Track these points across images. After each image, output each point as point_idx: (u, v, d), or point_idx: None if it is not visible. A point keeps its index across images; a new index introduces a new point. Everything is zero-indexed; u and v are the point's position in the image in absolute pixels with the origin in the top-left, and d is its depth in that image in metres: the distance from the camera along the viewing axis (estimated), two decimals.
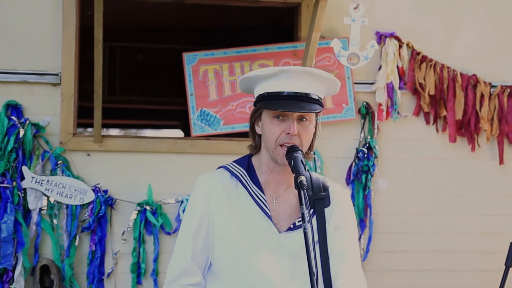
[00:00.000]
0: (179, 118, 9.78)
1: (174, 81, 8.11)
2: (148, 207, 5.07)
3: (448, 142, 5.42)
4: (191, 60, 5.23)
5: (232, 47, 5.26)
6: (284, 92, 2.62)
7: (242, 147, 5.12)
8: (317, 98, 2.65)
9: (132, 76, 8.41)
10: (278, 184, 2.72)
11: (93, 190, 5.02)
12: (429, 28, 5.43)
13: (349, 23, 4.50)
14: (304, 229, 2.47)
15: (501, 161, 5.45)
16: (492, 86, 5.44)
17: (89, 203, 5.01)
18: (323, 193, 2.72)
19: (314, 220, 2.68)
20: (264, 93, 2.66)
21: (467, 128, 5.43)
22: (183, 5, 5.40)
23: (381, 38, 5.33)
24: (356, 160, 5.33)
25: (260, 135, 2.72)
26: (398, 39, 5.36)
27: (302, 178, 2.54)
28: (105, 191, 5.05)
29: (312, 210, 2.69)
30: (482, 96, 5.42)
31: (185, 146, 5.20)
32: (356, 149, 5.34)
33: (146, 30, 7.15)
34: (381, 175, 5.35)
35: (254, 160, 2.77)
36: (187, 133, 9.58)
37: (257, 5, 5.33)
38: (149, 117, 9.78)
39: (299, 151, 2.62)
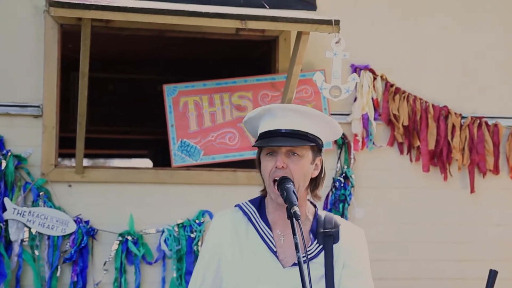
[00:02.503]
0: (147, 147, 9.82)
1: (145, 111, 8.17)
2: (129, 237, 5.10)
3: (421, 172, 5.57)
4: (171, 92, 5.30)
5: (212, 79, 5.35)
6: (274, 130, 2.75)
7: (222, 178, 5.26)
8: (306, 134, 2.75)
9: (103, 107, 8.43)
10: (285, 222, 2.79)
11: (75, 221, 5.03)
12: (402, 60, 5.60)
13: (331, 57, 4.63)
14: (298, 258, 2.55)
15: (472, 190, 5.62)
16: (463, 117, 5.62)
17: (70, 234, 5.02)
18: (333, 230, 2.81)
19: (322, 255, 2.76)
20: (260, 133, 2.81)
21: (439, 158, 5.59)
22: (162, 37, 5.47)
23: (356, 70, 5.48)
24: (333, 190, 5.44)
25: None
26: (372, 71, 5.51)
27: (296, 208, 2.61)
28: (87, 222, 5.07)
29: (321, 246, 2.77)
30: (453, 127, 5.59)
31: (166, 177, 5.25)
32: (333, 178, 5.45)
33: (123, 60, 7.20)
34: (357, 204, 5.47)
35: (266, 200, 2.89)
36: (156, 163, 9.68)
37: (236, 38, 5.44)
38: (117, 147, 9.79)
39: (290, 182, 2.71)
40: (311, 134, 2.77)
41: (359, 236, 2.92)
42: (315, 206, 2.95)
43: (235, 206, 2.91)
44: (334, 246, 2.79)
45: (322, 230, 2.79)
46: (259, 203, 2.88)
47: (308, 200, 2.91)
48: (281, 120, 2.75)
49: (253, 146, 2.82)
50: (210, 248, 2.85)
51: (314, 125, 2.79)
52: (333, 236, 2.78)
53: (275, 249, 2.77)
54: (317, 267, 2.75)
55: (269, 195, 2.81)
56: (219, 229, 2.85)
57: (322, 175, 2.88)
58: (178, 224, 5.16)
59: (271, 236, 2.79)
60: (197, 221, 5.18)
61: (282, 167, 2.72)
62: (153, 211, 5.20)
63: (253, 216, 2.84)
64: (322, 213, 2.89)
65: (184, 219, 5.19)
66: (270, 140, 2.74)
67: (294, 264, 2.75)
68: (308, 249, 2.78)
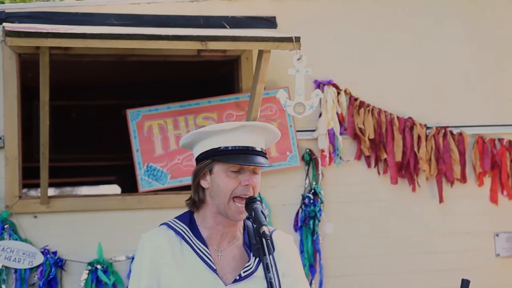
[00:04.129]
0: (114, 173, 9.73)
1: (111, 137, 8.09)
2: (99, 266, 5.02)
3: (389, 184, 5.58)
4: (135, 117, 5.25)
5: (176, 102, 5.32)
6: (251, 147, 2.70)
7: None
8: (263, 150, 2.75)
9: (67, 135, 8.34)
10: (222, 238, 2.74)
11: (42, 253, 4.94)
12: (365, 74, 5.62)
13: (293, 74, 4.63)
14: (270, 279, 2.51)
15: (441, 200, 5.63)
16: (428, 128, 5.65)
17: (38, 266, 4.93)
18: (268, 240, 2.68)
19: (260, 268, 2.70)
20: (219, 147, 2.70)
21: (407, 170, 5.60)
22: (123, 62, 5.43)
23: (319, 86, 5.48)
24: (303, 206, 5.42)
25: (204, 190, 2.73)
26: (336, 86, 5.52)
27: (265, 228, 2.59)
28: (54, 253, 4.98)
29: (257, 258, 2.73)
30: (419, 137, 5.61)
31: (133, 202, 5.19)
32: (302, 195, 5.44)
33: (85, 87, 7.14)
34: (328, 219, 5.46)
35: (197, 215, 2.77)
36: (124, 188, 9.60)
37: (198, 59, 5.42)
38: (85, 174, 9.69)
39: (258, 202, 2.68)
40: (264, 151, 2.77)
41: (291, 243, 2.87)
42: None
43: (162, 224, 2.77)
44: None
45: (255, 242, 2.73)
46: (189, 220, 2.77)
47: None
48: (256, 137, 2.72)
49: (230, 162, 2.66)
50: (145, 275, 2.67)
51: (267, 140, 2.80)
52: (268, 246, 2.62)
53: (214, 267, 2.70)
54: (259, 281, 2.68)
55: (213, 210, 2.71)
56: (150, 251, 2.68)
57: None
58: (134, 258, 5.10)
59: (208, 253, 2.71)
60: None
61: (254, 185, 2.70)
62: (122, 238, 5.13)
63: (185, 233, 2.72)
64: (250, 224, 2.84)
65: None
66: (246, 157, 2.67)
67: (235, 281, 2.70)
68: (247, 265, 2.72)
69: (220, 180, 2.68)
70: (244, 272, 2.71)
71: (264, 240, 2.58)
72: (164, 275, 2.67)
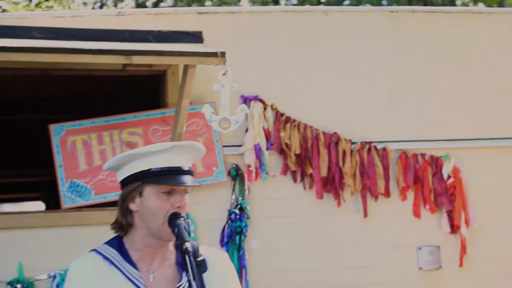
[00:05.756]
0: (39, 190, 9.52)
1: (34, 152, 7.92)
2: (19, 285, 4.89)
3: (315, 199, 5.62)
4: (58, 132, 5.15)
5: (101, 116, 5.24)
6: (171, 167, 2.66)
7: (114, 217, 5.11)
8: (191, 169, 2.73)
9: None
10: (152, 259, 2.71)
11: None
12: (291, 90, 5.66)
13: (218, 89, 4.62)
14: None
15: (365, 214, 5.70)
16: (353, 143, 5.72)
17: None
18: (199, 260, 2.65)
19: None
20: (150, 169, 2.65)
21: (332, 184, 5.65)
22: (47, 75, 5.33)
23: (246, 101, 5.49)
24: (229, 222, 5.41)
25: (132, 212, 2.69)
26: (262, 101, 5.54)
27: (187, 245, 2.56)
28: None
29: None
30: (344, 153, 5.68)
31: (56, 219, 5.08)
32: (228, 211, 5.42)
33: (8, 101, 6.96)
34: (254, 235, 5.46)
35: (126, 239, 2.73)
36: (49, 205, 9.40)
37: (123, 74, 5.36)
38: (7, 191, 9.45)
39: (181, 218, 2.66)
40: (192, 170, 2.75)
41: (226, 260, 2.84)
42: None
43: (91, 251, 2.72)
44: (204, 275, 2.65)
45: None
46: (118, 244, 2.72)
47: None
48: (185, 157, 2.69)
49: (162, 184, 2.63)
50: None
51: (193, 159, 2.78)
52: (201, 265, 2.63)
53: None
54: None
55: (143, 232, 2.67)
56: (79, 279, 2.64)
57: None
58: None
59: (139, 276, 2.67)
60: None
61: (181, 206, 2.67)
62: (44, 256, 5.01)
63: (114, 258, 2.68)
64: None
65: None
66: (177, 178, 2.65)
67: None
68: (179, 284, 2.69)
69: (152, 202, 2.64)
70: None
71: (187, 256, 2.55)
72: None
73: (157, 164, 2.65)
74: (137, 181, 2.66)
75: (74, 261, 2.70)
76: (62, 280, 4.92)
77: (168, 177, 2.65)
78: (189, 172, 2.69)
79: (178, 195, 2.66)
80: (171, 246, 2.76)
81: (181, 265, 2.69)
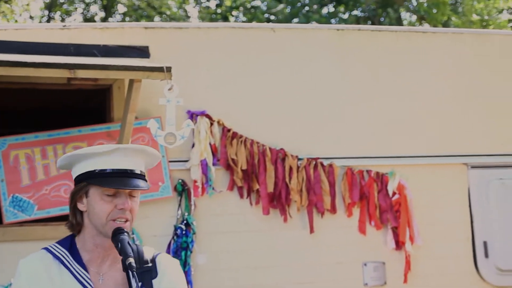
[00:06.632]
0: None
1: None
2: None
3: (261, 215, 5.62)
4: (0, 145, 5.08)
5: (44, 131, 5.18)
6: (124, 169, 2.66)
7: (59, 232, 5.02)
8: (142, 173, 2.72)
9: None
10: (102, 261, 2.71)
11: None
12: (238, 105, 5.68)
13: (164, 104, 4.61)
14: None
15: (311, 230, 5.72)
16: (299, 159, 5.75)
17: None
18: (150, 265, 2.72)
19: None
20: (94, 170, 2.66)
21: (278, 200, 5.66)
22: None
23: (192, 116, 5.48)
24: (175, 237, 5.38)
25: (82, 212, 2.71)
26: (209, 117, 5.54)
27: (131, 260, 2.56)
28: None
29: (140, 283, 2.69)
30: (290, 169, 5.70)
31: None
32: (174, 226, 5.40)
33: None
34: (200, 250, 5.44)
35: (78, 239, 2.74)
36: None
37: (68, 88, 5.31)
38: None
39: (125, 233, 2.65)
40: (144, 173, 2.74)
41: (176, 267, 2.85)
42: None
43: (42, 249, 2.75)
44: (153, 281, 2.70)
45: (138, 266, 2.70)
46: (70, 244, 2.73)
47: None
48: (130, 160, 2.69)
49: (103, 186, 2.63)
50: None
51: (145, 163, 2.77)
52: (150, 271, 2.67)
53: None
54: None
55: (98, 233, 2.68)
56: (27, 276, 2.64)
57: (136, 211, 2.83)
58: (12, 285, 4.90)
59: (88, 278, 2.67)
60: None
61: (129, 208, 2.66)
62: None
63: (65, 258, 2.69)
64: (133, 247, 2.81)
65: None
66: (122, 180, 2.64)
67: None
68: None
69: (95, 203, 2.66)
70: None
71: (130, 272, 2.54)
72: None
73: (102, 166, 2.67)
74: (83, 181, 2.68)
75: (24, 259, 2.71)
76: None
77: (113, 179, 2.65)
78: (137, 176, 2.68)
79: (123, 197, 2.66)
80: None
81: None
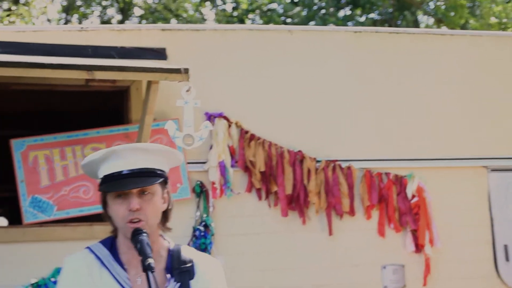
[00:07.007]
0: (1, 205, 9.40)
1: None
2: None
3: (280, 216, 5.60)
4: (19, 147, 5.09)
5: (63, 132, 5.19)
6: (119, 172, 2.66)
7: (77, 233, 5.07)
8: (153, 170, 2.70)
9: None
10: (139, 262, 2.66)
11: None
12: (256, 107, 5.66)
13: (182, 105, 4.60)
14: None
15: (330, 232, 5.70)
16: (317, 161, 5.72)
17: None
18: (188, 265, 2.71)
19: None
20: (103, 176, 2.68)
21: (297, 202, 5.64)
22: (8, 90, 5.26)
23: (210, 118, 5.47)
24: (194, 239, 5.37)
25: (111, 217, 2.72)
26: (226, 119, 5.53)
27: (150, 261, 2.55)
28: None
29: (178, 283, 2.69)
30: (309, 171, 5.67)
31: (17, 235, 5.01)
32: (193, 227, 5.39)
33: None
34: (218, 252, 5.42)
35: (117, 240, 2.76)
36: (12, 220, 9.27)
37: (86, 89, 5.32)
38: None
39: (144, 233, 2.64)
40: (158, 170, 2.72)
41: (216, 268, 2.81)
42: (167, 241, 2.86)
43: (86, 248, 2.78)
44: (191, 282, 2.68)
45: (177, 267, 2.70)
46: (111, 245, 2.75)
47: (161, 235, 2.82)
48: (126, 161, 2.67)
49: (100, 191, 2.66)
50: None
51: (158, 159, 2.74)
52: (189, 271, 2.67)
53: None
54: None
55: (124, 235, 2.70)
56: (70, 273, 2.68)
57: (171, 207, 2.81)
58: (32, 284, 4.92)
59: (127, 278, 2.68)
60: (52, 279, 4.96)
61: (137, 209, 2.65)
62: (5, 272, 4.93)
63: (105, 258, 2.71)
64: (175, 247, 2.81)
65: (39, 279, 4.96)
66: (117, 183, 2.64)
67: None
68: None
69: (111, 208, 2.67)
70: None
71: (149, 273, 2.54)
72: None
73: (106, 171, 2.68)
74: (100, 189, 2.70)
75: (68, 257, 2.74)
76: None
77: (114, 183, 2.65)
78: (141, 174, 2.66)
79: (132, 198, 2.65)
80: (162, 251, 2.75)
81: (170, 271, 2.70)
